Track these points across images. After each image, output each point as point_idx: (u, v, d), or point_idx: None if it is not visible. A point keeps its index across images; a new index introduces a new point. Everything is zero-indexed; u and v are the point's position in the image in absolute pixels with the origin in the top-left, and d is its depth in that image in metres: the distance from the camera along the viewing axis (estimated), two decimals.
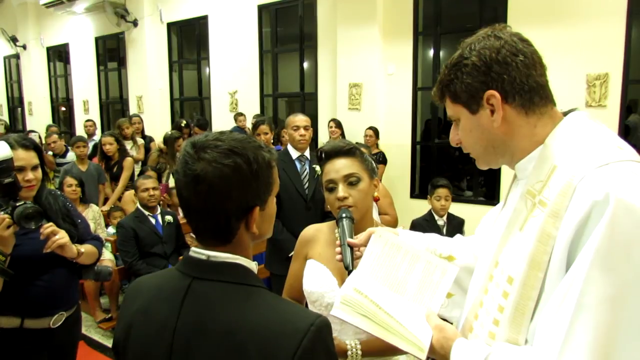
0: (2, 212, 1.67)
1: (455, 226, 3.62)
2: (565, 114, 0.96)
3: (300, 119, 3.11)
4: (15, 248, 1.72)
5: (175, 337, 0.87)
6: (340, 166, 1.47)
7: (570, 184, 0.83)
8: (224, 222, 0.88)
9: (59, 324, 1.93)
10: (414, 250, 1.18)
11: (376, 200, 2.93)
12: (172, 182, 5.80)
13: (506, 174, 4.99)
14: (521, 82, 0.92)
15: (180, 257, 3.87)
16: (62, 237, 1.79)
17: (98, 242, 2.09)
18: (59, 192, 2.08)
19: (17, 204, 1.69)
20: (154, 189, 3.88)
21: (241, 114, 6.98)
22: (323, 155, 1.51)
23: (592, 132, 0.91)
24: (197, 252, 0.92)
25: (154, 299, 0.93)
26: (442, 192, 3.60)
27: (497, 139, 0.96)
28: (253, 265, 0.93)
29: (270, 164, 0.92)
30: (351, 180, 1.45)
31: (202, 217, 0.89)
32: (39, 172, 1.88)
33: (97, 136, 7.26)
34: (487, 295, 0.98)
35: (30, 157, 1.84)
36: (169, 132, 5.72)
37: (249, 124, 6.46)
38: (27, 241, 1.79)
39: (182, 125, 6.15)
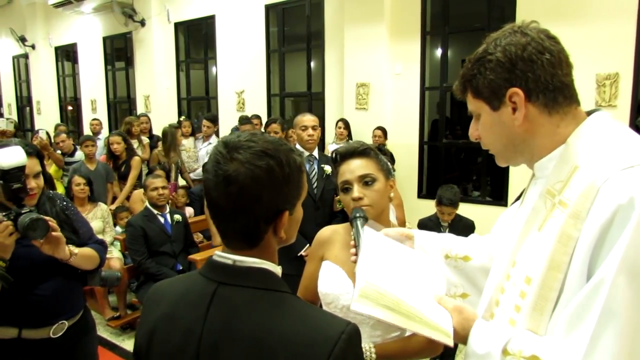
0: (5, 218, 1.61)
1: (460, 229, 3.54)
2: (588, 113, 0.95)
3: (309, 119, 3.11)
4: (11, 256, 1.66)
5: (201, 344, 0.85)
6: (355, 167, 1.45)
7: (593, 186, 0.82)
8: (253, 225, 0.87)
9: (60, 333, 1.85)
10: (393, 241, 1.24)
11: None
12: (181, 181, 5.81)
13: (514, 174, 4.95)
14: (546, 81, 0.90)
15: (189, 256, 3.89)
16: (58, 231, 1.71)
17: (100, 246, 2.00)
18: (58, 195, 2.01)
19: (22, 211, 1.64)
20: (163, 187, 3.90)
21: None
22: (338, 157, 1.50)
23: (616, 133, 0.90)
24: (223, 256, 0.90)
25: (178, 304, 0.91)
26: (447, 209, 3.51)
27: (517, 137, 0.95)
28: (279, 270, 0.92)
29: (300, 167, 0.91)
30: (366, 181, 1.44)
31: (230, 219, 0.87)
32: (41, 180, 1.83)
33: (102, 135, 7.28)
34: (503, 294, 0.98)
35: (33, 165, 1.78)
36: (166, 126, 5.70)
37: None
38: (23, 249, 1.71)
39: (181, 119, 6.14)
